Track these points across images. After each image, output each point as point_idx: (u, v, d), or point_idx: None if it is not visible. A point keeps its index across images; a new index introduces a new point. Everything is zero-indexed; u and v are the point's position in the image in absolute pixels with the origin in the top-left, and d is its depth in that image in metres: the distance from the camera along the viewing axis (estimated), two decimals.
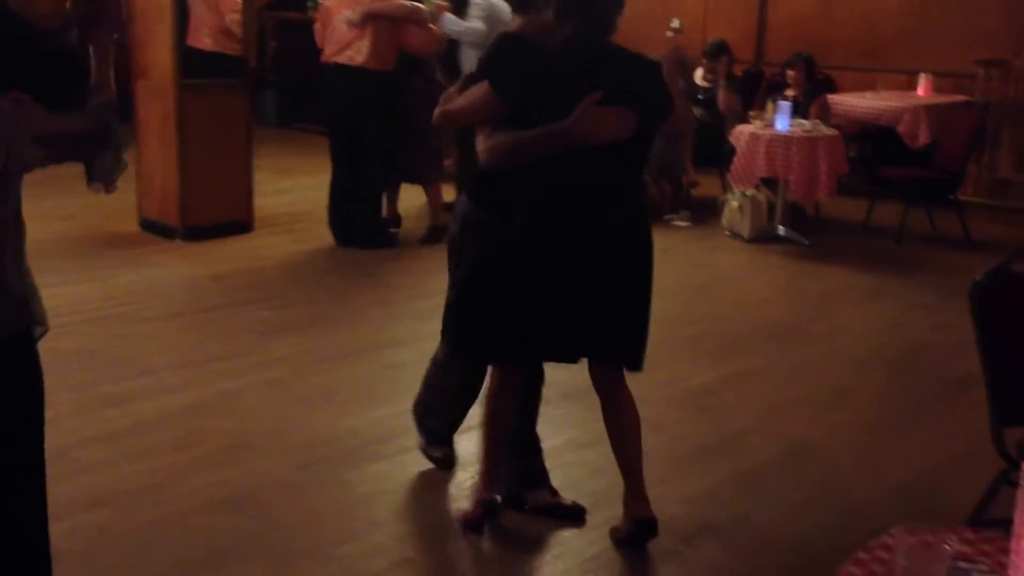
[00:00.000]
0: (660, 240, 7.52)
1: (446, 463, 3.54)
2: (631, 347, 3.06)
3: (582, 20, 2.84)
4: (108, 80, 2.07)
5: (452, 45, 6.91)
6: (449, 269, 3.23)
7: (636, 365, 3.08)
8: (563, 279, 2.92)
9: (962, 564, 1.68)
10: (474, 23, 6.68)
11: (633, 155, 2.94)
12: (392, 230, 6.68)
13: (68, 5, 2.07)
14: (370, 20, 6.12)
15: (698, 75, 7.91)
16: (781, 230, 6.99)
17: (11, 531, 2.00)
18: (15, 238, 1.95)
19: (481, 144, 2.87)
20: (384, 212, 6.70)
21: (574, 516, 3.22)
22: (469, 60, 6.87)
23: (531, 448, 3.32)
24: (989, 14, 8.21)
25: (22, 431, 2.00)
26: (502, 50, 2.99)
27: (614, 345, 3.04)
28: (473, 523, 3.14)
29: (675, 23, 9.53)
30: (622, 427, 3.12)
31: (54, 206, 6.45)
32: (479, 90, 2.88)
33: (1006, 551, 1.73)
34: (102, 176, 2.12)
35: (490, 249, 3.03)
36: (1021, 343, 2.83)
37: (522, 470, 3.27)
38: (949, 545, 1.62)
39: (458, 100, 2.97)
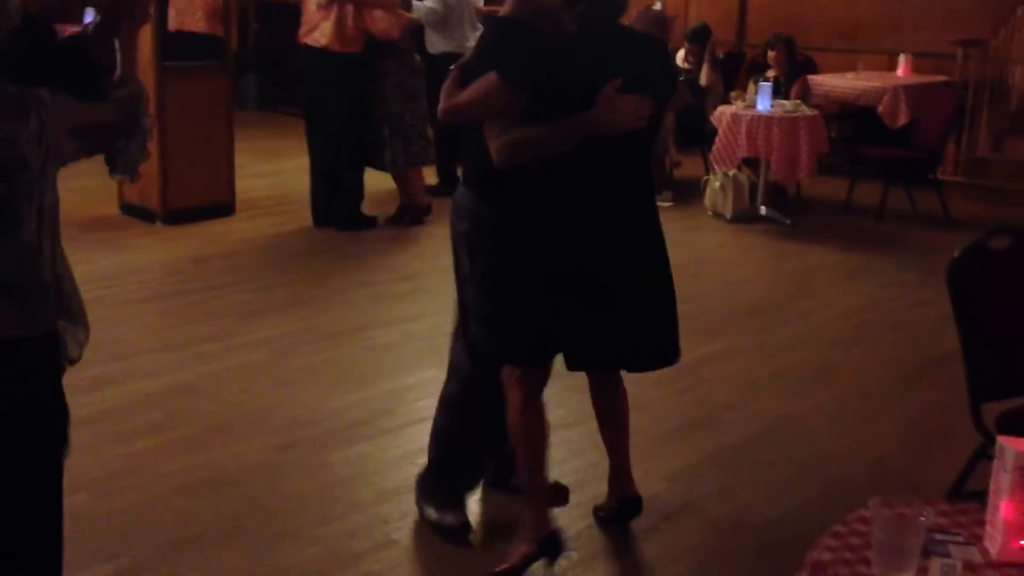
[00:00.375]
0: None
1: (465, 532, 3.08)
2: (670, 352, 2.97)
3: (596, 3, 2.69)
4: (134, 71, 2.05)
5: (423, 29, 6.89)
6: (457, 269, 2.96)
7: (675, 361, 3.02)
8: (593, 276, 2.77)
9: (938, 536, 1.70)
10: (428, 2, 6.69)
11: (647, 140, 2.84)
12: (373, 213, 6.66)
13: None
14: (336, 2, 6.09)
15: (679, 57, 7.89)
16: (763, 210, 7.01)
17: (28, 531, 1.98)
18: (52, 235, 1.91)
19: (493, 141, 2.65)
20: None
21: (556, 496, 3.18)
22: (431, 42, 6.86)
23: None
24: None
25: (44, 437, 1.95)
26: (504, 37, 2.80)
27: (655, 354, 2.96)
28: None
29: (657, 5, 9.53)
30: (616, 407, 3.09)
31: None
32: (487, 81, 2.64)
33: (981, 522, 1.75)
34: (126, 168, 2.08)
35: (513, 247, 2.81)
36: (997, 319, 2.86)
37: (508, 453, 3.18)
38: (925, 517, 1.64)
39: (464, 93, 2.71)
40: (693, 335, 4.85)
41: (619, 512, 3.09)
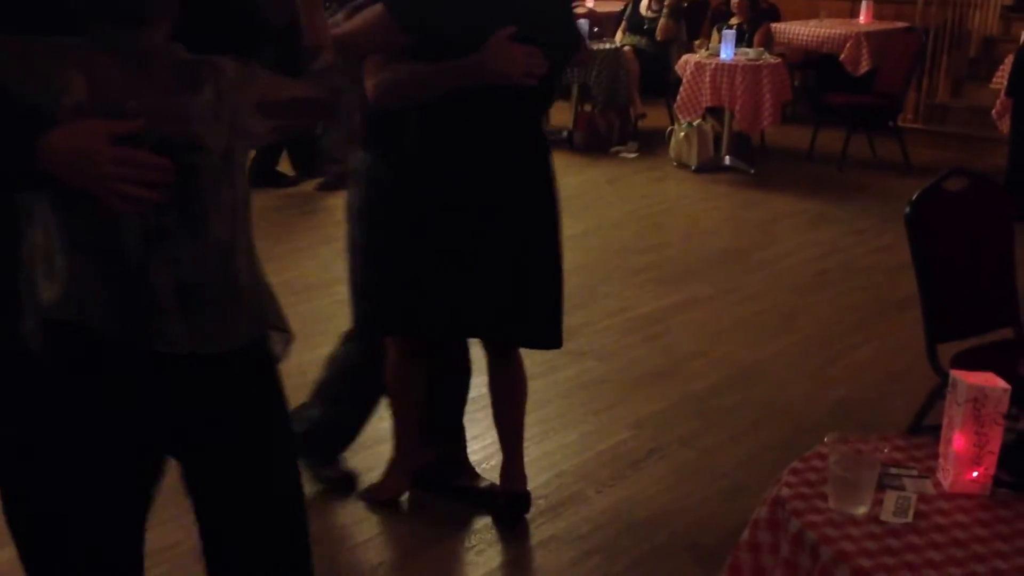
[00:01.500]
0: (608, 171, 7.55)
1: (348, 483, 3.05)
2: (548, 331, 2.74)
3: None
4: (325, 39, 1.73)
5: None
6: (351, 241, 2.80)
7: (556, 344, 2.78)
8: (460, 238, 2.59)
9: (892, 470, 1.75)
10: None
11: (539, 99, 2.64)
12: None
13: None
14: None
15: (643, 5, 7.86)
16: (727, 159, 7.04)
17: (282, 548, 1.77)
18: (244, 231, 1.64)
19: (371, 77, 2.47)
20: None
21: (494, 500, 2.95)
22: None
23: (454, 435, 3.07)
24: None
25: (276, 455, 1.74)
26: None
27: (530, 331, 2.74)
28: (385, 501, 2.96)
29: None
30: (512, 393, 2.88)
31: None
32: (372, 12, 2.45)
33: (935, 456, 1.81)
34: (333, 155, 1.77)
35: (371, 196, 2.65)
36: (954, 260, 2.91)
37: (446, 457, 3.04)
38: (880, 451, 1.69)
39: (348, 24, 2.49)
40: (658, 284, 4.95)
41: (508, 508, 2.89)
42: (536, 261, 2.68)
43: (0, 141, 1.45)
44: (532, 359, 3.76)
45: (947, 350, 2.83)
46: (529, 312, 2.69)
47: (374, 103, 2.48)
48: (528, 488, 2.92)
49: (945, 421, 1.76)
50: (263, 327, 1.70)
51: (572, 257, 5.14)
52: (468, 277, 2.61)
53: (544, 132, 2.77)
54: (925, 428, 2.77)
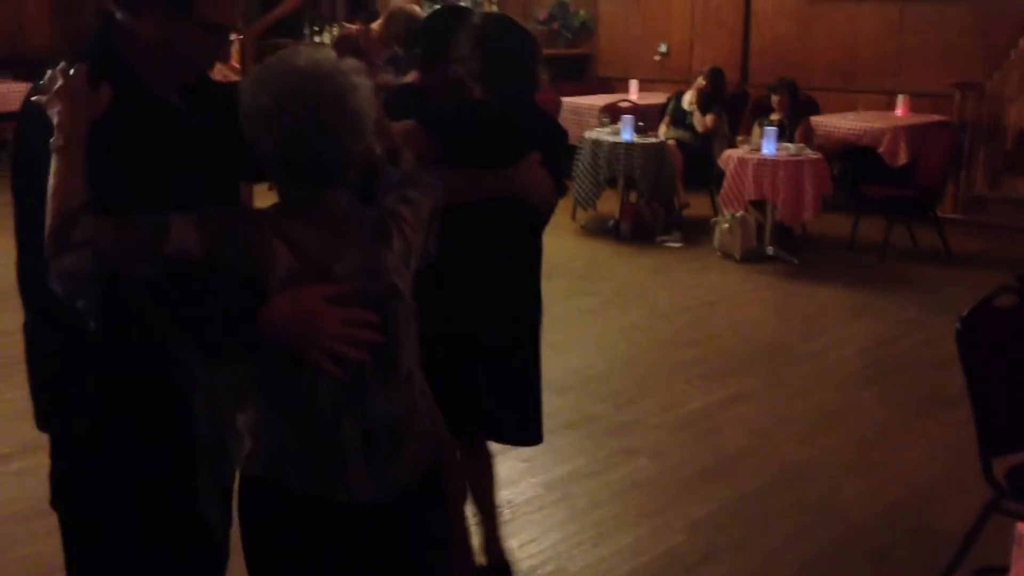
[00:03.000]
0: (654, 261, 7.68)
1: None
2: (530, 430, 2.88)
3: (508, 79, 2.69)
4: (392, 137, 1.87)
5: None
6: None
7: (537, 441, 2.92)
8: (454, 339, 2.69)
9: None
10: None
11: (540, 221, 2.79)
12: None
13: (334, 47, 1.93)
14: None
15: (686, 100, 8.10)
16: (770, 250, 7.18)
17: None
18: (411, 346, 1.73)
19: None
20: None
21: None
22: None
23: None
24: (962, 38, 8.47)
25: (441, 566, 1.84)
26: (412, 99, 2.79)
27: (511, 429, 2.87)
28: None
29: (662, 47, 9.77)
30: (487, 473, 3.04)
31: None
32: (407, 126, 2.53)
33: None
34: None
35: None
36: (1005, 375, 3.00)
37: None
38: None
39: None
40: (706, 379, 5.04)
41: (491, 573, 3.07)
42: (524, 360, 2.83)
43: (227, 317, 1.58)
44: (587, 458, 3.88)
45: (1000, 462, 2.90)
46: (517, 410, 2.83)
47: None
48: None
49: (1013, 573, 1.83)
50: (437, 448, 1.78)
51: (621, 352, 5.28)
52: (460, 376, 2.72)
53: (537, 249, 2.88)
54: (986, 571, 2.84)
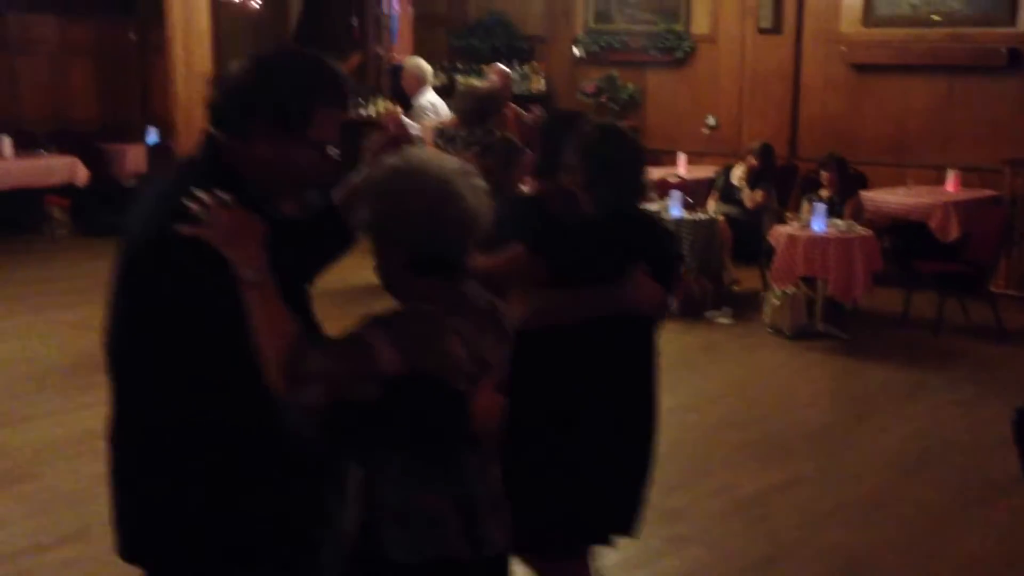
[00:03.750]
0: (703, 337, 7.67)
1: None
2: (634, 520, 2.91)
3: (614, 186, 2.75)
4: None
5: None
6: None
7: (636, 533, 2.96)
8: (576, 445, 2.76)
9: None
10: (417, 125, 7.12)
11: (650, 327, 2.86)
12: None
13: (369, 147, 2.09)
14: None
15: (735, 175, 8.19)
16: (821, 326, 7.19)
17: None
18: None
19: (517, 307, 2.61)
20: None
21: None
22: None
23: None
24: (1011, 112, 8.50)
25: None
26: (528, 212, 2.86)
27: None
28: None
29: (711, 120, 9.89)
30: None
31: (77, 316, 6.80)
32: (514, 251, 2.68)
33: None
34: None
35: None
36: None
37: None
38: None
39: (489, 259, 2.62)
40: (758, 461, 5.04)
41: None
42: (634, 451, 2.88)
43: (442, 422, 1.79)
44: (636, 547, 3.84)
45: None
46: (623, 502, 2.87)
47: (523, 327, 2.70)
48: None
49: None
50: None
51: (671, 434, 5.22)
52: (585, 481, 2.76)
53: (651, 356, 2.93)
54: None
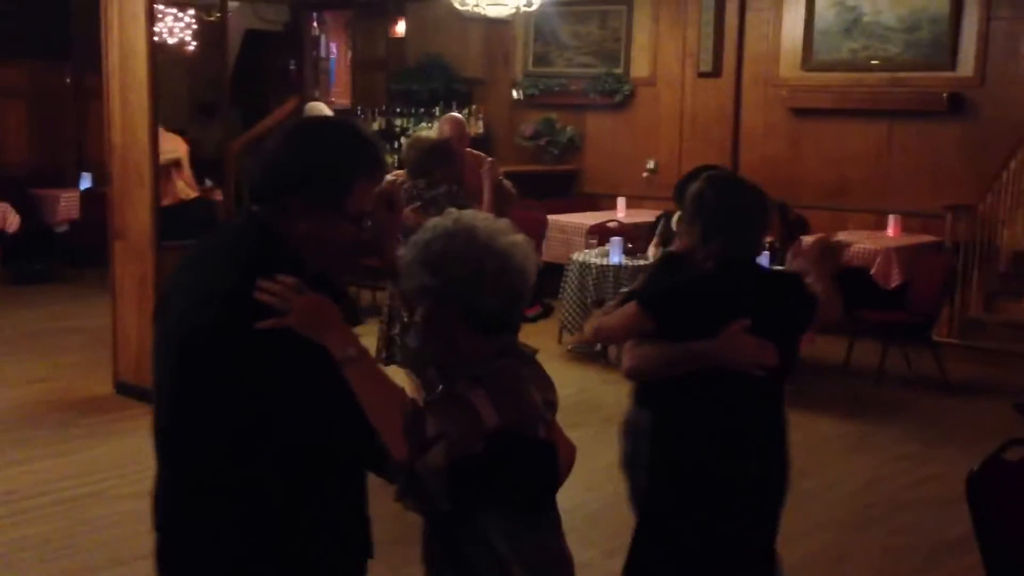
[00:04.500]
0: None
1: None
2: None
3: (729, 240, 2.81)
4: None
5: None
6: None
7: None
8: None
9: None
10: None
11: (772, 386, 2.95)
12: None
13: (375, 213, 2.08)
14: None
15: (675, 220, 7.98)
16: None
17: None
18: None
19: (628, 359, 2.90)
20: None
21: None
22: None
23: None
24: (952, 159, 8.46)
25: None
26: (661, 270, 3.15)
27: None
28: None
29: (650, 164, 9.77)
30: None
31: (26, 370, 6.39)
32: (630, 308, 2.89)
33: None
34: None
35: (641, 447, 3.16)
36: (1017, 531, 2.80)
37: None
38: None
39: (610, 318, 2.99)
40: None
41: None
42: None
43: (537, 469, 1.95)
44: None
45: None
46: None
47: (630, 376, 3.00)
48: None
49: None
50: None
51: (612, 488, 5.01)
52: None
53: (781, 418, 3.11)
54: None
